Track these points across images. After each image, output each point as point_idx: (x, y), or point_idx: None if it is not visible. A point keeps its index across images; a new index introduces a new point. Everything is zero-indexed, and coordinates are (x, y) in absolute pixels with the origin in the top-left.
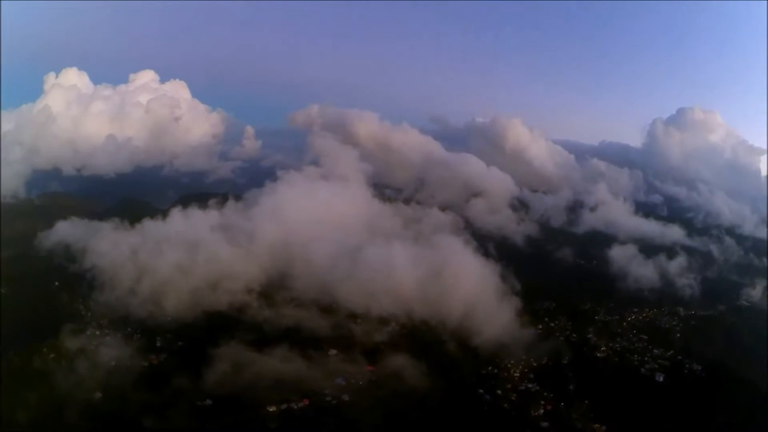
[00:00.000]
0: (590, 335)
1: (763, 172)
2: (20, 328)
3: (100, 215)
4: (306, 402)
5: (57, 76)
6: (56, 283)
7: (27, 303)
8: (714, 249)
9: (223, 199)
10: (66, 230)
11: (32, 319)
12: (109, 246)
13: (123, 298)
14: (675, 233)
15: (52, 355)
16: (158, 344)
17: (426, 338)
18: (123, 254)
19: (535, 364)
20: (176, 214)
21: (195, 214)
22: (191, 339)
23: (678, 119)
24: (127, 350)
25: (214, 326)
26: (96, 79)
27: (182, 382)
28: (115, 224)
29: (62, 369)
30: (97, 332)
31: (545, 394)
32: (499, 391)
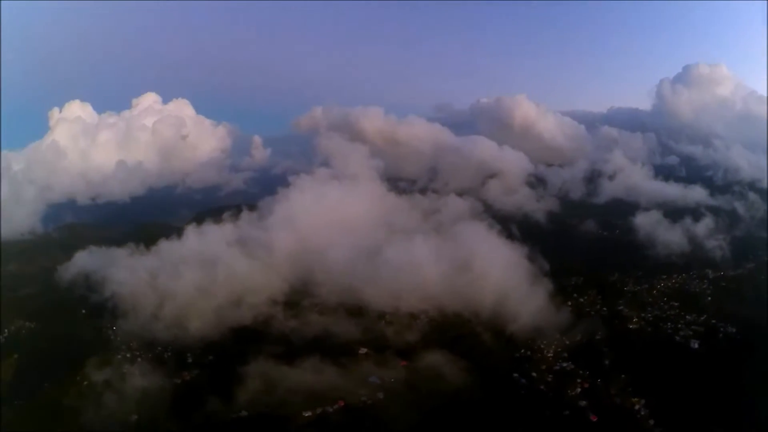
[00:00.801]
0: (621, 307)
1: None
2: (51, 361)
3: (118, 241)
4: (341, 404)
5: (61, 111)
6: (82, 312)
7: (55, 335)
8: (737, 206)
9: (237, 211)
10: (85, 260)
11: (62, 350)
12: (129, 271)
13: (148, 322)
14: (696, 194)
15: (86, 383)
16: (189, 360)
17: (457, 329)
18: (144, 278)
19: (567, 343)
20: (192, 232)
21: (211, 230)
22: (220, 356)
23: (685, 77)
24: (159, 370)
25: (241, 341)
26: (99, 108)
27: (216, 397)
28: (133, 249)
29: (97, 396)
30: (128, 355)
31: (581, 372)
32: (534, 374)
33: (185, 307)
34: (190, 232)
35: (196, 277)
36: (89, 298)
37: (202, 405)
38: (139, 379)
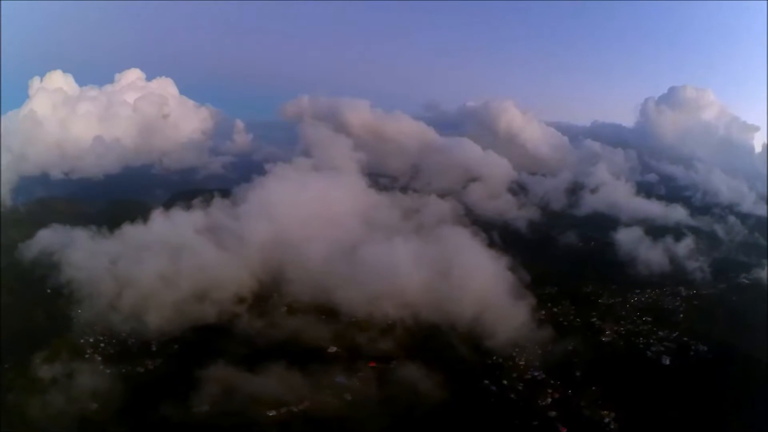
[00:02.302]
0: (594, 319)
1: (757, 149)
2: (12, 340)
3: (88, 218)
4: (306, 404)
5: (42, 80)
6: (47, 292)
7: (16, 314)
8: (714, 228)
9: (212, 196)
10: (48, 238)
11: (23, 330)
12: (90, 254)
13: (105, 311)
14: (676, 213)
15: (45, 366)
16: (153, 349)
17: (430, 334)
18: (105, 263)
19: (540, 352)
20: (161, 216)
21: (181, 215)
22: (178, 354)
23: (670, 98)
24: (118, 359)
25: (202, 340)
26: (82, 81)
27: (179, 389)
28: (99, 229)
29: (56, 379)
30: (91, 340)
31: (552, 381)
32: (505, 382)
33: (145, 298)
34: (160, 215)
35: (160, 266)
36: (50, 279)
37: (165, 396)
38: (100, 365)
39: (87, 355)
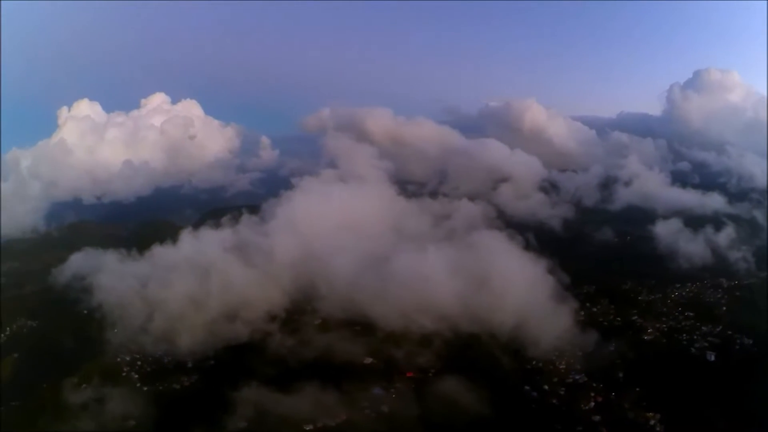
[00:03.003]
0: (635, 317)
1: None
2: (51, 361)
3: (120, 241)
4: (343, 418)
5: (69, 110)
6: (84, 313)
7: (55, 335)
8: (753, 214)
9: (242, 213)
10: (80, 262)
11: (61, 351)
12: (121, 277)
13: (136, 333)
14: (712, 201)
15: (83, 386)
16: (189, 365)
17: (467, 342)
18: (135, 285)
19: (580, 354)
20: (191, 236)
21: (210, 234)
22: (210, 375)
23: (695, 82)
24: (157, 375)
25: (234, 360)
26: (108, 108)
27: (214, 408)
28: (130, 252)
29: (94, 399)
30: (128, 358)
31: (594, 385)
32: (546, 387)
33: (176, 320)
34: (190, 235)
35: (191, 286)
36: (84, 301)
37: (196, 420)
38: (137, 383)
39: (124, 374)
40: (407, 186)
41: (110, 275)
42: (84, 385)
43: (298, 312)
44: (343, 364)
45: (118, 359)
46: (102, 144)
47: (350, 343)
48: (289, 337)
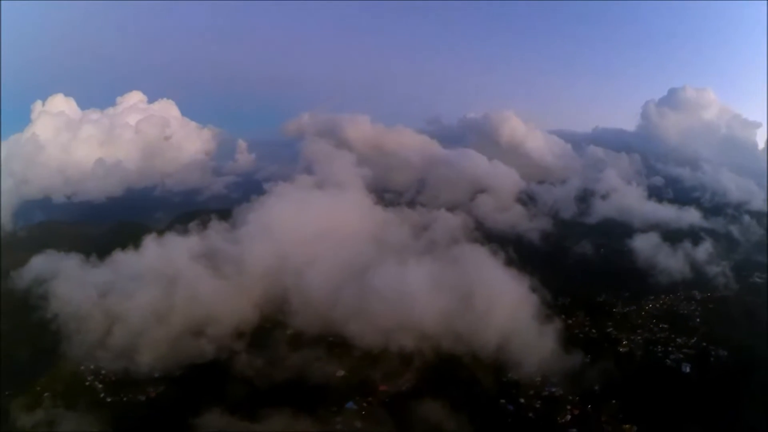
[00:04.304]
0: (610, 329)
1: (761, 146)
2: (8, 370)
3: (90, 242)
4: None
5: (44, 104)
6: (46, 318)
7: (16, 340)
8: (728, 228)
9: (214, 218)
10: (41, 265)
11: (23, 357)
12: (82, 284)
13: (94, 348)
14: (688, 215)
15: (46, 394)
16: (156, 376)
17: (444, 359)
18: (95, 295)
19: (556, 366)
20: (157, 240)
21: (180, 239)
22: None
23: (670, 99)
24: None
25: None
26: (84, 105)
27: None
28: (99, 253)
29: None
30: (92, 366)
31: (570, 397)
32: (522, 400)
33: (136, 334)
34: (157, 241)
35: (155, 297)
36: (42, 308)
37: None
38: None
39: (86, 384)
40: (385, 194)
41: (71, 281)
42: (46, 394)
43: (268, 327)
44: (316, 386)
45: (82, 368)
46: (75, 141)
47: (323, 363)
48: (258, 356)
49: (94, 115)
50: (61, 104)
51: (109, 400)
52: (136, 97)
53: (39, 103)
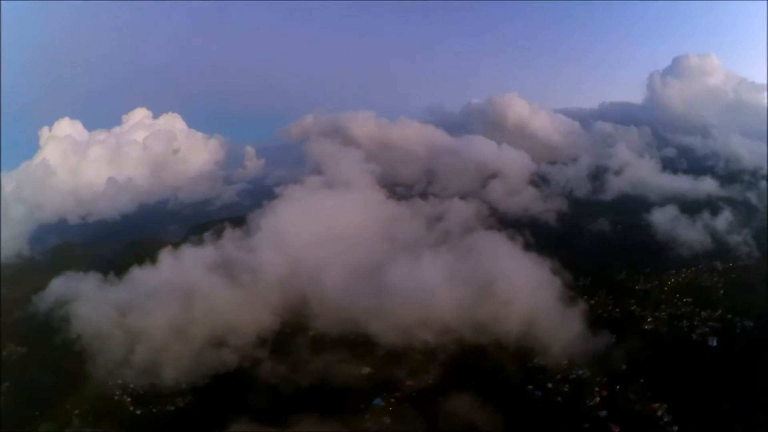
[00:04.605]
0: (633, 307)
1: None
2: (40, 389)
3: (106, 260)
4: None
5: (51, 129)
6: (70, 339)
7: (43, 363)
8: (746, 195)
9: (228, 226)
10: (61, 287)
11: (50, 379)
12: (100, 303)
13: (117, 366)
14: (704, 185)
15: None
16: (184, 386)
17: (471, 348)
18: (126, 305)
19: (581, 348)
20: (172, 254)
21: (196, 251)
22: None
23: (675, 68)
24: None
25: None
26: (90, 126)
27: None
28: (117, 271)
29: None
30: (119, 381)
31: (597, 379)
32: (550, 385)
33: (158, 350)
34: (174, 255)
35: (174, 311)
36: (64, 329)
37: None
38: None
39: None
40: (396, 188)
41: (91, 301)
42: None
43: (289, 332)
44: (341, 387)
45: (110, 383)
46: (85, 163)
47: (347, 363)
48: (282, 362)
49: (101, 135)
50: (68, 128)
51: (138, 412)
52: (141, 114)
53: (46, 129)
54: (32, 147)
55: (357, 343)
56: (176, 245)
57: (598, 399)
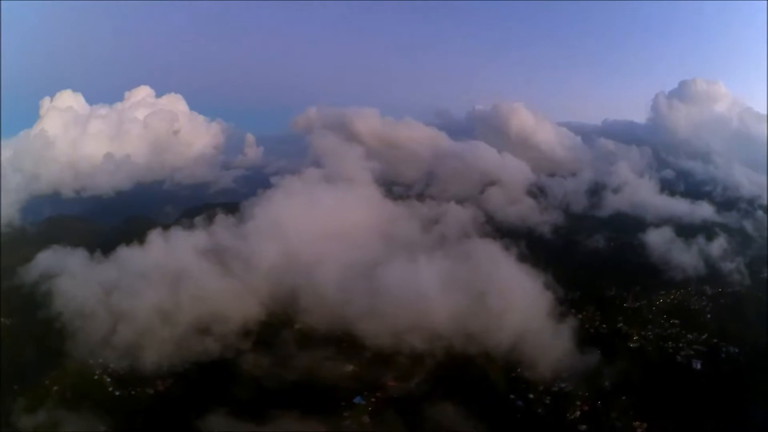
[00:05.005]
0: (620, 324)
1: None
2: (18, 365)
3: (99, 236)
4: None
5: (52, 100)
6: (56, 312)
7: (28, 335)
8: (742, 223)
9: (222, 211)
10: (48, 261)
11: (34, 352)
12: (87, 281)
13: (99, 346)
14: (699, 209)
15: (55, 388)
16: (165, 371)
17: (455, 357)
18: (112, 283)
19: (566, 361)
20: (163, 235)
21: (187, 234)
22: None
23: (681, 92)
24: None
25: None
26: (92, 100)
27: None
28: (106, 248)
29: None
30: (100, 361)
31: (580, 393)
32: (532, 395)
33: (145, 330)
34: (164, 236)
35: (161, 293)
36: (48, 304)
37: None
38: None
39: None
40: (394, 187)
41: (76, 277)
42: (54, 388)
43: (276, 324)
44: (324, 383)
45: (90, 362)
46: (84, 136)
47: (332, 360)
48: (265, 355)
49: (102, 110)
50: (70, 100)
51: (117, 393)
52: (143, 92)
53: (47, 99)
54: (34, 116)
55: (343, 341)
56: (167, 227)
57: (579, 413)
